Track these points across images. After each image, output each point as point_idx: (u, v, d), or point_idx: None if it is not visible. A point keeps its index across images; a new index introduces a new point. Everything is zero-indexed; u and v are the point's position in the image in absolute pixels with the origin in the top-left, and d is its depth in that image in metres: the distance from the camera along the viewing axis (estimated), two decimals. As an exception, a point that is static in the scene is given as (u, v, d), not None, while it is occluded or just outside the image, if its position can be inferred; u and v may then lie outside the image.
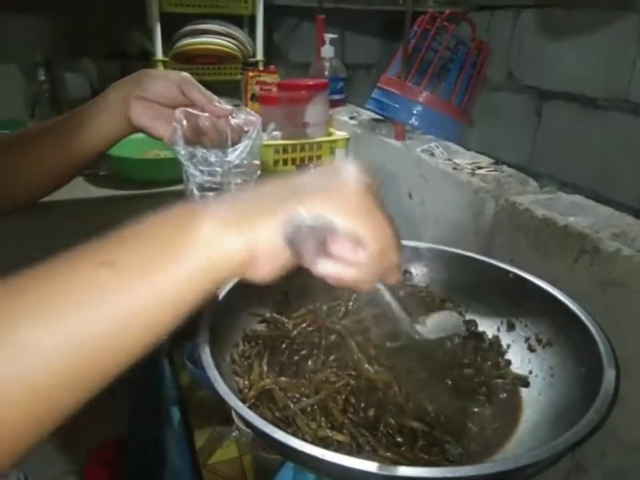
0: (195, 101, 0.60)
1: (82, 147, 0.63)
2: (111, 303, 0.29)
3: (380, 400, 0.43)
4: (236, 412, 0.35)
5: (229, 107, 0.61)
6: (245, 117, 0.61)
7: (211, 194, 0.57)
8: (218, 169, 0.57)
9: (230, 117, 0.60)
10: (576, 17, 1.34)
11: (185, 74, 0.63)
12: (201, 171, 0.57)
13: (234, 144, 0.58)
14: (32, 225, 1.28)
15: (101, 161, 1.41)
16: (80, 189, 1.35)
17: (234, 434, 0.75)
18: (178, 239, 0.32)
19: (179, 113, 0.57)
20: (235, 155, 0.58)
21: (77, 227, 1.32)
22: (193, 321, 1.10)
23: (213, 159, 0.57)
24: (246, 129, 0.59)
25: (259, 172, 0.61)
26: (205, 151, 0.57)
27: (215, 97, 0.62)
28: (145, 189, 1.35)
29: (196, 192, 0.57)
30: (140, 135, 1.60)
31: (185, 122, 0.56)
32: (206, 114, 0.59)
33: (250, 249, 0.32)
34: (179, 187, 1.37)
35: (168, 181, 1.38)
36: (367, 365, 0.44)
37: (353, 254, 0.33)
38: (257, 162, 0.60)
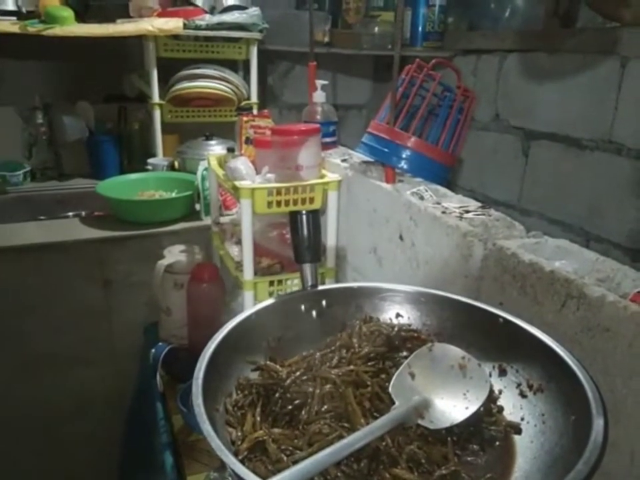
0: None
1: None
2: None
3: (373, 451, 0.43)
4: (230, 469, 0.35)
5: None
6: None
7: None
8: None
9: None
10: (559, 61, 1.39)
11: None
12: None
13: None
14: (29, 265, 1.29)
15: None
16: (76, 230, 1.37)
17: (227, 481, 0.74)
18: None
19: None
20: None
21: (74, 267, 1.33)
22: (187, 365, 1.10)
23: None
24: None
25: None
26: None
27: None
28: (141, 229, 1.37)
29: None
30: (136, 176, 1.64)
31: None
32: None
33: None
34: (175, 227, 1.40)
35: (163, 221, 1.40)
36: (362, 419, 0.45)
37: None
38: None
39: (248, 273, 1.01)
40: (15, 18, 1.47)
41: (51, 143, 1.68)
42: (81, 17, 1.47)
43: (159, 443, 1.00)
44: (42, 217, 1.43)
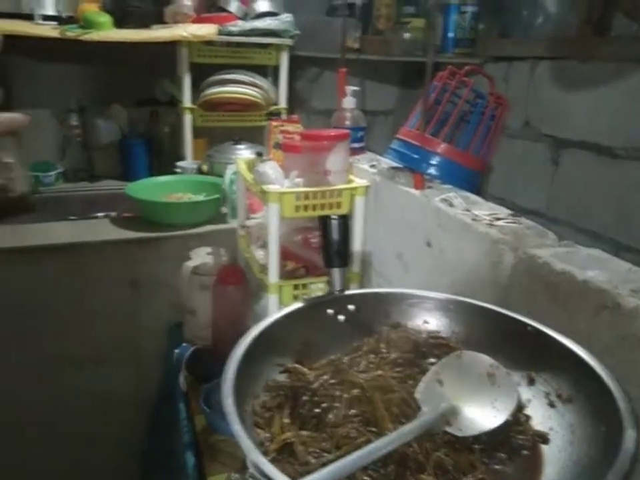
0: None
1: None
2: None
3: (400, 457, 0.43)
4: (259, 469, 0.36)
5: None
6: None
7: None
8: None
9: None
10: (592, 69, 1.37)
11: None
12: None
13: None
14: (59, 264, 1.32)
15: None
16: (106, 231, 1.40)
17: (250, 482, 0.75)
18: None
19: None
20: None
21: (103, 266, 1.36)
22: (210, 366, 1.11)
23: None
24: None
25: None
26: None
27: None
28: (168, 231, 1.39)
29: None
30: (165, 178, 1.66)
31: None
32: None
33: None
34: (201, 229, 1.42)
35: (191, 224, 1.42)
36: (390, 424, 0.45)
37: None
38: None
39: (273, 276, 1.02)
40: (55, 23, 1.51)
41: (84, 145, 1.72)
42: (117, 23, 1.51)
43: (180, 442, 1.01)
44: (73, 217, 1.46)
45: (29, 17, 1.51)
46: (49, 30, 1.47)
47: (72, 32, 1.46)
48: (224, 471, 0.90)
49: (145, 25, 1.55)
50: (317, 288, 1.07)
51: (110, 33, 1.48)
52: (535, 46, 1.56)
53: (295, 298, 1.04)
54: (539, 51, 1.54)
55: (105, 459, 1.44)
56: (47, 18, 1.53)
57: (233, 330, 1.15)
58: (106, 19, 1.48)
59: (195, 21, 1.61)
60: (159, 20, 1.58)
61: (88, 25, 1.47)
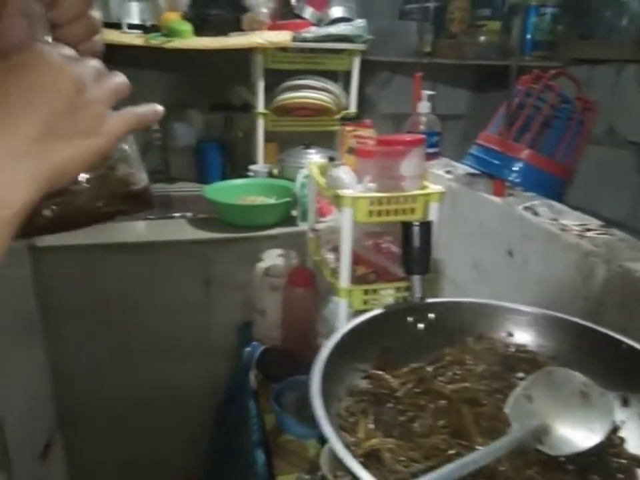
0: None
1: None
2: None
3: (491, 472, 0.42)
4: (352, 472, 0.36)
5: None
6: None
7: None
8: None
9: None
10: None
11: None
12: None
13: None
14: (138, 261, 1.38)
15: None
16: (182, 230, 1.45)
17: (321, 485, 0.75)
18: None
19: None
20: None
21: (179, 264, 1.41)
22: (279, 365, 1.12)
23: None
24: None
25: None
26: None
27: None
28: (241, 232, 1.43)
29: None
30: (240, 181, 1.70)
31: None
32: None
33: None
34: (272, 232, 1.45)
35: (262, 226, 1.46)
36: (479, 438, 0.44)
37: None
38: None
39: (344, 281, 1.02)
40: (140, 31, 1.59)
41: (162, 147, 1.80)
42: (197, 30, 1.57)
43: (250, 440, 1.03)
44: (151, 217, 1.53)
45: (116, 26, 1.59)
46: (134, 38, 1.55)
47: (156, 40, 1.52)
48: (293, 471, 0.91)
49: (223, 32, 1.60)
50: (387, 294, 1.06)
51: (190, 41, 1.54)
52: (621, 48, 1.48)
53: (365, 303, 1.04)
54: (626, 54, 1.46)
55: (172, 448, 1.49)
56: (133, 27, 1.61)
57: (302, 332, 1.17)
58: (187, 27, 1.54)
59: (270, 28, 1.65)
60: (236, 27, 1.63)
61: (170, 33, 1.53)
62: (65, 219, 0.38)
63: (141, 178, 0.43)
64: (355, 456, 0.43)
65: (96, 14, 0.41)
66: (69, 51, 0.36)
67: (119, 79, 0.38)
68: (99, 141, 0.35)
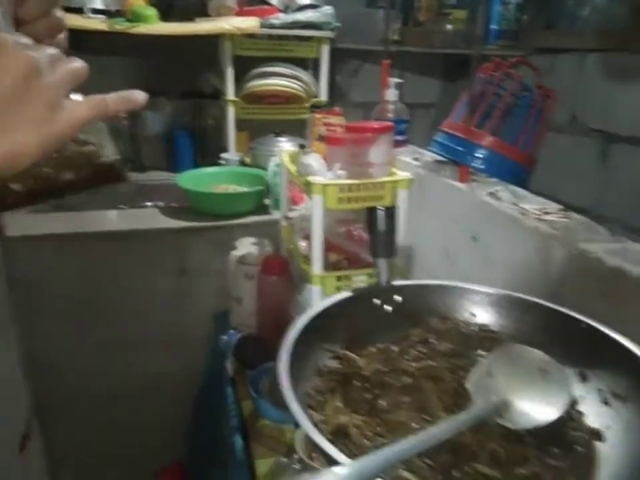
0: None
1: None
2: None
3: (453, 446, 0.44)
4: (319, 447, 0.37)
5: None
6: None
7: None
8: None
9: None
10: (644, 61, 1.33)
11: None
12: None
13: None
14: (110, 252, 1.37)
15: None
16: (156, 220, 1.44)
17: (295, 466, 0.77)
18: None
19: None
20: None
21: (153, 254, 1.40)
22: (255, 352, 1.13)
23: None
24: None
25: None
26: None
27: None
28: (213, 220, 1.42)
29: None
30: (211, 170, 1.69)
31: None
32: None
33: None
34: (246, 220, 1.45)
35: (236, 214, 1.45)
36: (442, 413, 0.45)
37: None
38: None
39: (317, 268, 1.03)
40: (103, 16, 1.55)
41: (131, 136, 1.77)
42: (163, 16, 1.54)
43: (228, 426, 1.04)
44: (122, 206, 1.51)
45: (78, 11, 1.55)
46: (98, 23, 1.51)
47: (120, 25, 1.50)
48: (271, 455, 0.92)
49: (189, 18, 1.58)
50: (360, 280, 1.08)
51: (156, 26, 1.51)
52: (583, 37, 1.52)
53: (338, 289, 1.05)
54: (588, 43, 1.50)
55: (151, 441, 1.49)
56: (96, 11, 1.57)
57: (276, 319, 1.17)
58: (152, 12, 1.52)
59: (237, 14, 1.63)
60: (203, 13, 1.61)
61: (135, 18, 1.50)
62: (35, 191, 0.39)
63: (111, 151, 0.43)
64: (323, 433, 0.45)
65: (61, 13, 0.41)
66: (25, 39, 0.35)
67: (77, 64, 0.37)
68: (55, 127, 0.34)
